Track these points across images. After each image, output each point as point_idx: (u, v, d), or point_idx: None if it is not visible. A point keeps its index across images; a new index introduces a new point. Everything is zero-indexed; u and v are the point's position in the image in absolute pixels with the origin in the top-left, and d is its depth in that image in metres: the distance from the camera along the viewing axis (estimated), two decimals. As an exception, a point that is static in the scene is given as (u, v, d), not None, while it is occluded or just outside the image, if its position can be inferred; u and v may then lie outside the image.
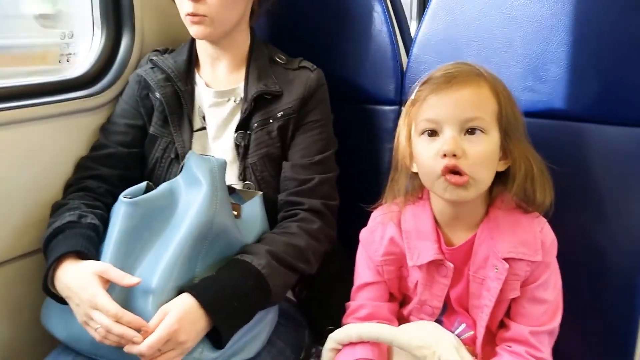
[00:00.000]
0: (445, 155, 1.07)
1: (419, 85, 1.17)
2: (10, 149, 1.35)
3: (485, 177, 1.11)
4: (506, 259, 1.14)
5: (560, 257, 1.19)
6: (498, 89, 1.13)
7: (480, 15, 1.38)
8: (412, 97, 1.17)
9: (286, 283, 1.30)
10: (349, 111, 1.59)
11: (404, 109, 1.21)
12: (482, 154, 1.09)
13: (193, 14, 1.35)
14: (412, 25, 3.04)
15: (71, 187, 1.41)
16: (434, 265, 1.20)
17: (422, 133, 1.13)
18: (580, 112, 1.31)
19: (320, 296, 1.50)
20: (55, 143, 1.44)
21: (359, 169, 1.53)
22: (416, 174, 1.19)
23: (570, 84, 1.31)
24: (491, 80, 1.14)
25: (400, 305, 1.32)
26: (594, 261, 1.32)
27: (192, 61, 1.49)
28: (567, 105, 1.32)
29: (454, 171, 1.08)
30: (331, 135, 1.47)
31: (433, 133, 1.11)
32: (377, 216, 1.29)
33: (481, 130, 1.09)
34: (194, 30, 1.38)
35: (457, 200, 1.13)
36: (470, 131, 1.09)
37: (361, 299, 1.29)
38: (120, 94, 1.53)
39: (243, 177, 1.41)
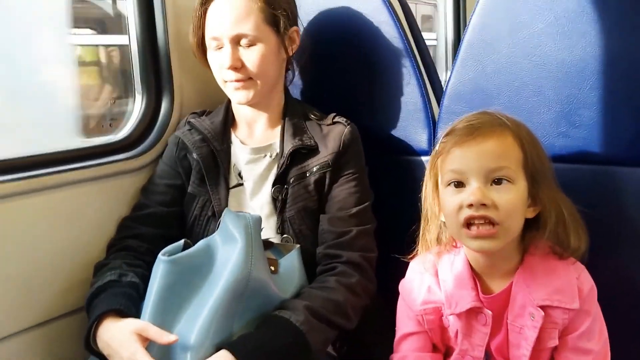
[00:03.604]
0: (471, 205, 1.08)
1: (442, 136, 1.18)
2: (56, 211, 1.41)
3: (514, 226, 1.11)
4: (542, 307, 1.12)
5: (603, 305, 1.16)
6: (522, 136, 1.13)
7: (509, 63, 1.38)
8: (437, 148, 1.18)
9: (325, 339, 1.30)
10: (383, 163, 1.61)
11: (429, 160, 1.22)
12: (511, 203, 1.09)
13: (237, 80, 1.41)
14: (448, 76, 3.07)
15: (113, 247, 1.45)
16: (472, 314, 1.19)
17: (449, 184, 1.14)
18: (616, 156, 1.30)
19: (362, 351, 1.48)
20: (98, 204, 1.49)
21: (395, 220, 1.52)
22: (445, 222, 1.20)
23: (604, 127, 1.29)
24: (514, 128, 1.14)
25: (444, 357, 1.29)
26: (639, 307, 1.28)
27: (229, 121, 1.53)
28: (603, 149, 1.30)
29: (483, 220, 1.08)
30: (367, 188, 1.48)
31: (459, 184, 1.12)
32: (415, 266, 1.29)
33: (508, 180, 1.09)
34: (238, 96, 1.44)
35: (484, 251, 1.13)
36: (497, 181, 1.09)
37: (404, 350, 1.27)
38: (161, 155, 1.58)
39: (281, 230, 1.43)
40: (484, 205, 1.07)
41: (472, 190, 1.09)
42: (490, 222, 1.08)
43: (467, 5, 3.16)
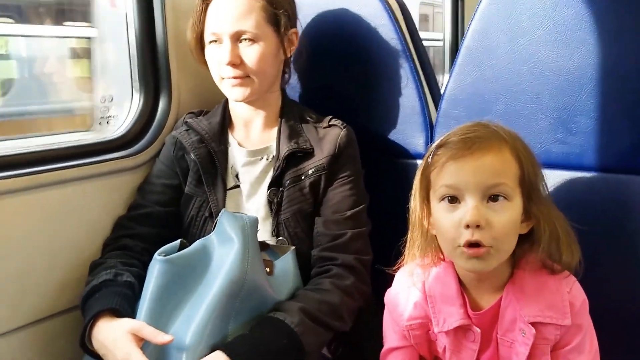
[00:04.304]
0: (468, 226, 1.04)
1: (434, 148, 1.14)
2: (51, 209, 1.41)
3: (508, 248, 1.08)
4: (533, 323, 1.10)
5: (598, 316, 1.15)
6: (519, 151, 1.09)
7: (507, 69, 1.39)
8: (429, 160, 1.14)
9: (320, 341, 1.30)
10: (379, 166, 1.61)
11: (418, 171, 1.18)
12: (506, 224, 1.05)
13: (234, 77, 1.41)
14: (446, 79, 3.07)
15: (109, 246, 1.45)
16: (461, 331, 1.16)
17: (442, 199, 1.10)
18: (613, 164, 1.30)
19: (356, 353, 1.49)
20: (95, 203, 1.48)
21: (390, 223, 1.52)
22: (435, 235, 1.16)
23: (601, 135, 1.30)
24: (511, 142, 1.09)
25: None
26: (634, 318, 1.28)
27: (226, 122, 1.53)
28: (600, 157, 1.31)
29: (474, 244, 1.05)
30: (362, 190, 1.48)
31: (453, 199, 1.08)
32: (401, 278, 1.25)
33: (504, 197, 1.06)
34: (234, 93, 1.44)
35: (477, 272, 1.11)
36: (493, 198, 1.06)
37: None
38: (157, 154, 1.58)
39: (276, 233, 1.43)
40: (478, 226, 1.04)
41: (468, 210, 1.05)
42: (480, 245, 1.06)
43: (465, 8, 3.17)
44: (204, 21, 1.44)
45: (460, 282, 1.18)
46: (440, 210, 1.11)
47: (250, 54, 1.41)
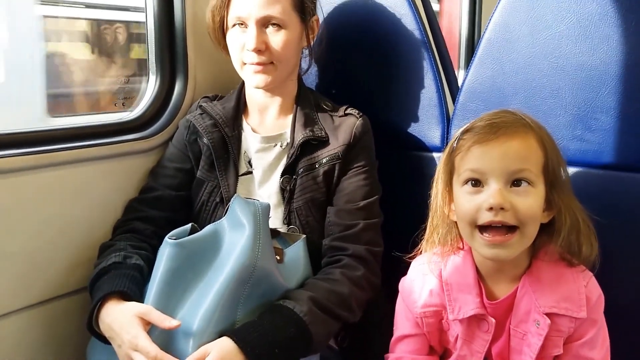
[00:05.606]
0: (491, 209, 1.04)
1: (460, 133, 1.14)
2: (64, 188, 1.41)
3: (530, 233, 1.08)
4: (548, 314, 1.10)
5: (611, 313, 1.14)
6: (544, 139, 1.10)
7: (527, 63, 1.37)
8: (455, 145, 1.14)
9: (328, 331, 1.29)
10: (394, 157, 1.60)
11: (442, 156, 1.18)
12: (530, 208, 1.05)
13: (258, 64, 1.39)
14: (460, 75, 3.04)
15: (119, 228, 1.45)
16: (475, 320, 1.16)
17: (465, 183, 1.10)
18: (631, 162, 1.28)
19: (363, 345, 1.48)
20: (107, 184, 1.48)
21: (403, 215, 1.51)
22: (455, 222, 1.16)
23: (620, 133, 1.28)
24: (537, 129, 1.10)
25: (440, 359, 1.27)
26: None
27: (240, 108, 1.52)
28: (618, 155, 1.29)
29: (497, 226, 1.05)
30: (376, 181, 1.47)
31: (477, 183, 1.08)
32: (417, 266, 1.25)
33: (528, 183, 1.06)
34: (256, 79, 1.42)
35: (496, 259, 1.10)
36: (517, 183, 1.06)
37: (400, 351, 1.26)
38: (172, 137, 1.57)
39: (288, 221, 1.42)
40: (502, 209, 1.04)
41: (492, 193, 1.05)
42: (507, 229, 1.06)
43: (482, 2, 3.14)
44: (229, 4, 1.41)
45: (478, 271, 1.18)
46: (462, 193, 1.11)
47: (277, 40, 1.39)
